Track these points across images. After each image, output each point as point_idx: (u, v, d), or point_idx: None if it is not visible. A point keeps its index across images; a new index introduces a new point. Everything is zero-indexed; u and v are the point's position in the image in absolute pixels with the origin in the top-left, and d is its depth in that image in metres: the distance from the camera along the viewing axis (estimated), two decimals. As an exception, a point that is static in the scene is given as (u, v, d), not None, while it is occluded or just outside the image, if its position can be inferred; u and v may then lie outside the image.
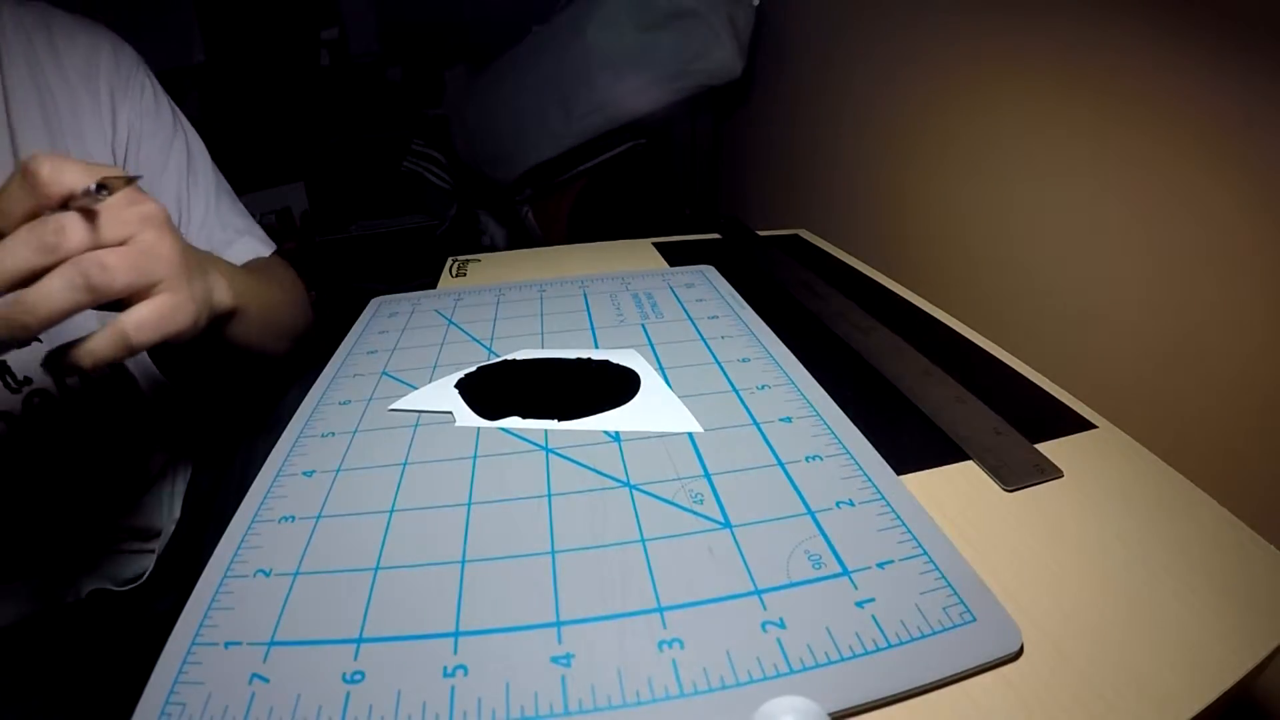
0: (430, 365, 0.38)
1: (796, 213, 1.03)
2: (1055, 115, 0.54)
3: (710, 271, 0.50)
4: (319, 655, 0.20)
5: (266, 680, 0.19)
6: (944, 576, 0.22)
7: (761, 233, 0.60)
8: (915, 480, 0.28)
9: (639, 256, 0.56)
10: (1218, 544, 0.24)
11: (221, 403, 0.59)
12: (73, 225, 0.25)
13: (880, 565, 0.23)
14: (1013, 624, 0.21)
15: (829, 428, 0.30)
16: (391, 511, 0.26)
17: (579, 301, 0.46)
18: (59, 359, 0.27)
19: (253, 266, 0.49)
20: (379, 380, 0.37)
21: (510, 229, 1.54)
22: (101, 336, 0.27)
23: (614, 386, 0.34)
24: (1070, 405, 0.33)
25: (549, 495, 0.27)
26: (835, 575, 0.22)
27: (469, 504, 0.27)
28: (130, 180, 0.27)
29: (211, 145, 0.52)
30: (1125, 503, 0.26)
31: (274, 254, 0.52)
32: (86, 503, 0.44)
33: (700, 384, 0.35)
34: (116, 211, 0.27)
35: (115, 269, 0.26)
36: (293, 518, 0.26)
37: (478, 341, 0.41)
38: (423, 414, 0.33)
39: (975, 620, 0.21)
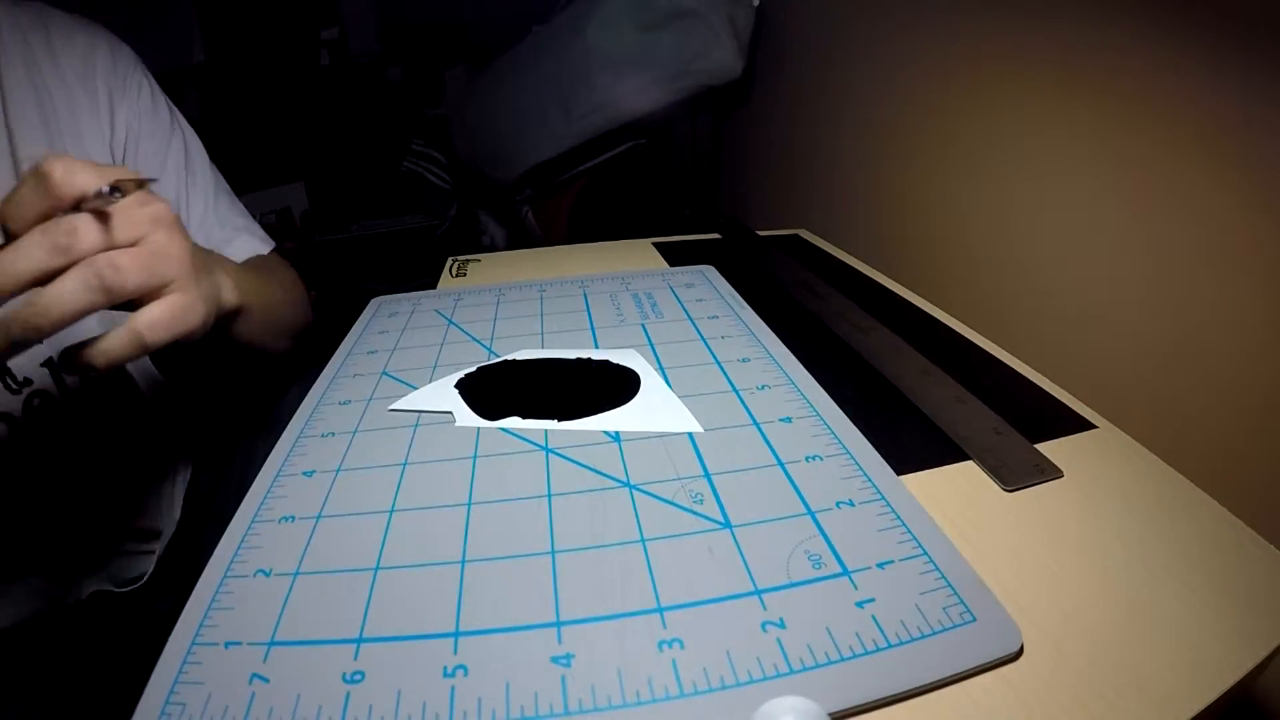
0: (430, 365, 0.38)
1: (796, 213, 1.03)
2: (1055, 115, 0.54)
3: (710, 271, 0.50)
4: (319, 655, 0.20)
5: (266, 680, 0.19)
6: (944, 576, 0.22)
7: (761, 233, 0.60)
8: (915, 480, 0.28)
9: (639, 256, 0.56)
10: (1218, 544, 0.24)
11: (221, 403, 0.59)
12: (85, 227, 0.26)
13: (880, 565, 0.23)
14: (1013, 624, 0.21)
15: (829, 428, 0.30)
16: (391, 511, 0.26)
17: (579, 301, 0.46)
18: (72, 358, 0.27)
19: (253, 264, 0.49)
20: (379, 380, 0.37)
21: (510, 229, 1.54)
22: (115, 336, 0.27)
23: (614, 386, 0.34)
24: (1070, 405, 0.33)
25: (549, 495, 0.27)
26: (835, 575, 0.22)
27: (469, 504, 0.27)
28: (142, 183, 0.27)
29: (211, 145, 0.52)
30: (1125, 503, 0.26)
31: (272, 251, 0.52)
32: (86, 504, 0.44)
33: (700, 384, 0.35)
34: (128, 213, 0.27)
35: (128, 270, 0.26)
36: (293, 518, 0.26)
37: (478, 341, 0.41)
38: (423, 414, 0.33)
39: (975, 620, 0.21)
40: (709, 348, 0.38)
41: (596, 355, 0.38)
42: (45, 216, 0.25)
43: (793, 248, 0.57)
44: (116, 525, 0.46)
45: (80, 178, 0.25)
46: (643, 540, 0.24)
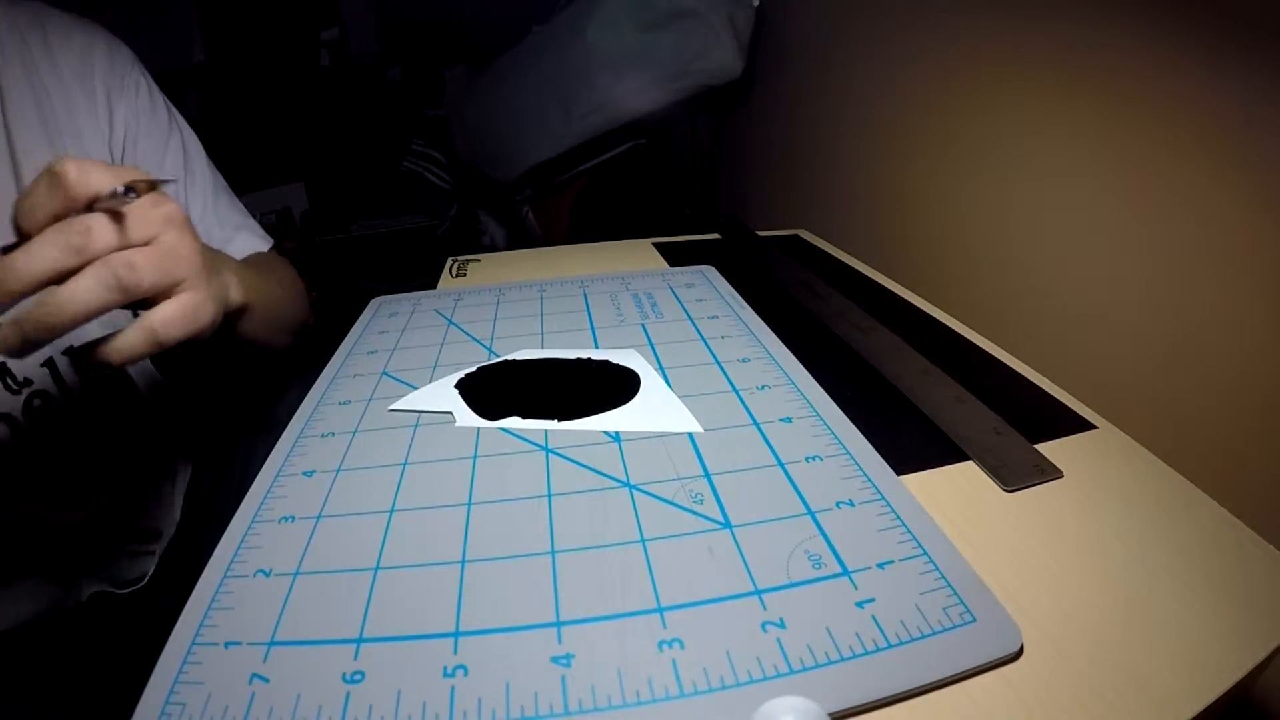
0: (430, 365, 0.38)
1: (796, 213, 1.03)
2: (1055, 115, 0.54)
3: (710, 271, 0.50)
4: (319, 655, 0.20)
5: (266, 680, 0.19)
6: (944, 577, 0.22)
7: (761, 233, 0.60)
8: (915, 480, 0.28)
9: (639, 256, 0.56)
10: (1218, 544, 0.24)
11: (221, 403, 0.59)
12: (100, 226, 0.26)
13: (880, 565, 0.23)
14: (1013, 624, 0.21)
15: (829, 428, 0.30)
16: (391, 511, 0.26)
17: (579, 301, 0.46)
18: (87, 356, 0.28)
19: (253, 261, 0.49)
20: (379, 380, 0.37)
21: (510, 229, 1.54)
22: (130, 333, 0.28)
23: (614, 386, 0.34)
24: (1070, 405, 0.33)
25: (549, 495, 0.27)
26: (835, 575, 0.22)
27: (469, 504, 0.27)
28: (153, 185, 0.27)
29: (211, 145, 0.52)
30: (1125, 503, 0.26)
31: (271, 249, 0.52)
32: (87, 504, 0.44)
33: (700, 384, 0.35)
34: (141, 213, 0.27)
35: (144, 268, 0.27)
36: (293, 518, 0.26)
37: (478, 341, 0.41)
38: (423, 414, 0.33)
39: (975, 620, 0.21)
40: (709, 348, 0.38)
41: (596, 355, 0.38)
42: (58, 217, 0.25)
43: (793, 248, 0.57)
44: (117, 526, 0.46)
45: (95, 178, 0.25)
46: (643, 540, 0.24)
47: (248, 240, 0.50)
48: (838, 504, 0.26)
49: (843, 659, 0.19)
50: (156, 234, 0.28)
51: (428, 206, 1.63)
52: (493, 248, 1.58)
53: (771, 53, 1.05)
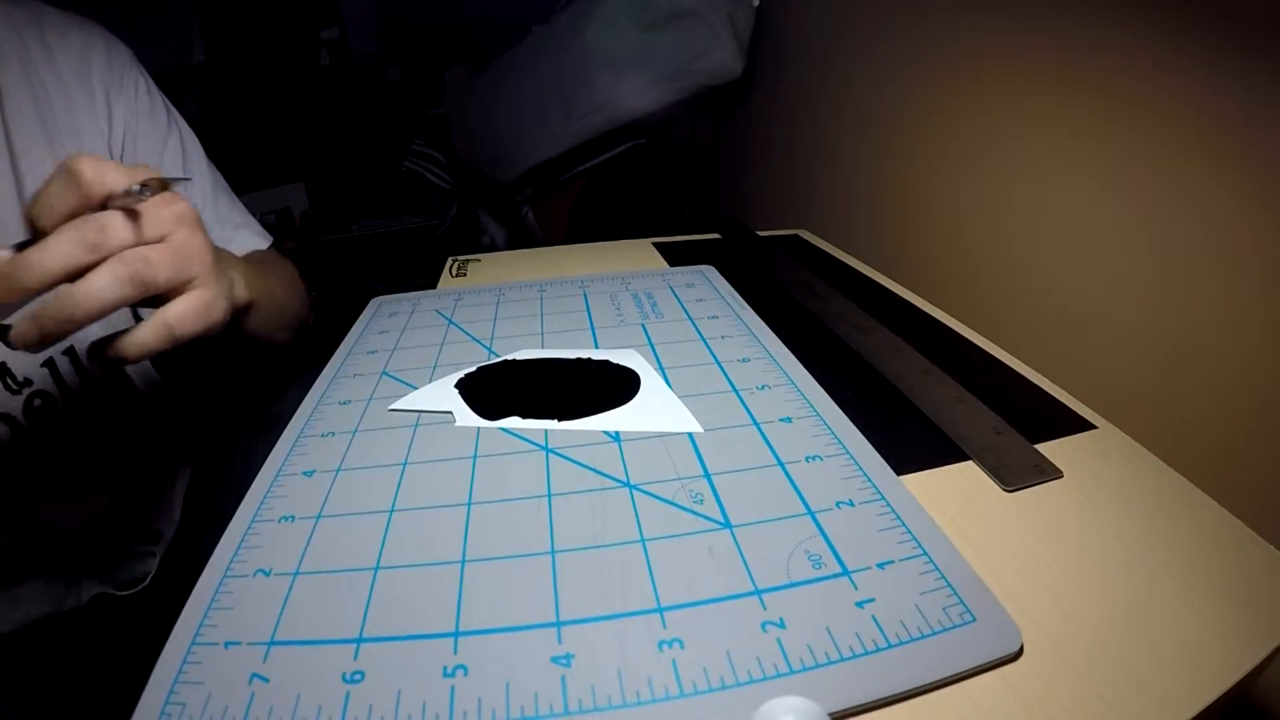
0: (430, 365, 0.38)
1: (796, 213, 1.03)
2: (1055, 115, 0.54)
3: (710, 271, 0.50)
4: (319, 655, 0.20)
5: (266, 680, 0.19)
6: (944, 577, 0.22)
7: (761, 233, 0.60)
8: (915, 480, 0.28)
9: (639, 256, 0.56)
10: (1218, 544, 0.24)
11: (221, 402, 0.59)
12: (115, 223, 0.26)
13: (880, 565, 0.23)
14: (1013, 624, 0.21)
15: (829, 428, 0.30)
16: (391, 511, 0.26)
17: (579, 301, 0.46)
18: (102, 350, 0.28)
19: (253, 259, 0.49)
20: (379, 380, 0.37)
21: (510, 229, 1.53)
22: (146, 328, 0.28)
23: (614, 386, 0.34)
24: (1070, 405, 0.33)
25: (549, 495, 0.27)
26: (835, 575, 0.22)
27: (469, 504, 0.27)
28: (165, 184, 0.27)
29: (211, 145, 0.52)
30: (1125, 503, 0.26)
31: (270, 246, 0.53)
32: (87, 506, 0.44)
33: (700, 384, 0.35)
34: (155, 211, 0.28)
35: (159, 264, 0.27)
36: (293, 517, 0.26)
37: (478, 341, 0.41)
38: (423, 414, 0.33)
39: (975, 620, 0.21)
40: (709, 348, 0.38)
41: (596, 355, 0.38)
42: (73, 214, 0.26)
43: (793, 248, 0.57)
44: (118, 527, 0.46)
45: (110, 176, 0.26)
46: (643, 540, 0.24)
47: (248, 239, 0.50)
48: (838, 504, 0.26)
49: (843, 659, 0.19)
50: (169, 232, 0.28)
51: (428, 206, 1.63)
52: (493, 248, 1.58)
53: (771, 53, 1.05)
